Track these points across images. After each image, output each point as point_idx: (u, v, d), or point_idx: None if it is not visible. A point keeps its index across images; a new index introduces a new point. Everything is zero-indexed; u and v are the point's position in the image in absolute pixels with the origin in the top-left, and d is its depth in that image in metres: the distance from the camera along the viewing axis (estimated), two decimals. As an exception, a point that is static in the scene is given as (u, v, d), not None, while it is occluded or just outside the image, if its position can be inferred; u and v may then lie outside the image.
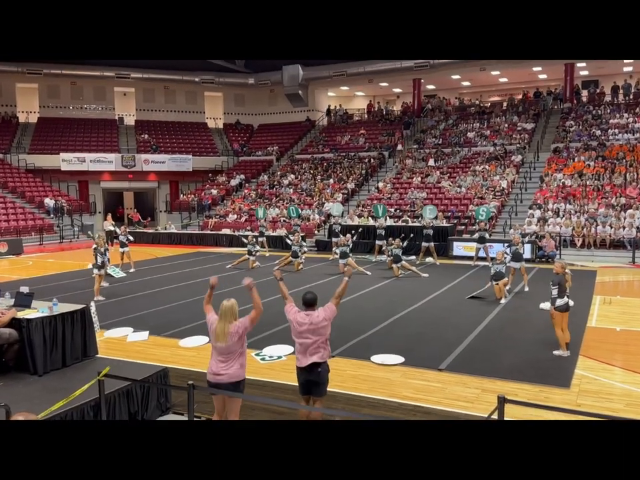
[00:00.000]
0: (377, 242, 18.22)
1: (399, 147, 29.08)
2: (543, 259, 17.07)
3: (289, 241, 16.93)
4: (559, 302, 7.86)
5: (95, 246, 12.61)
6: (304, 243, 17.08)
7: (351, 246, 15.96)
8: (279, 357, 7.93)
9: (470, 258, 17.10)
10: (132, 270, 15.97)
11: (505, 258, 11.88)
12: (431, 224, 17.68)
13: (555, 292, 7.81)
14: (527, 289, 12.45)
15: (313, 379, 5.09)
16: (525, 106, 29.41)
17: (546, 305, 10.55)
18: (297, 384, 5.36)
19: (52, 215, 26.98)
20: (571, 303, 10.19)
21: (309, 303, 5.19)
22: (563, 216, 19.29)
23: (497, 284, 11.42)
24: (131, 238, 16.64)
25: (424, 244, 17.12)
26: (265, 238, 20.10)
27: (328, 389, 5.38)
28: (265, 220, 22.79)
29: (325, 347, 5.18)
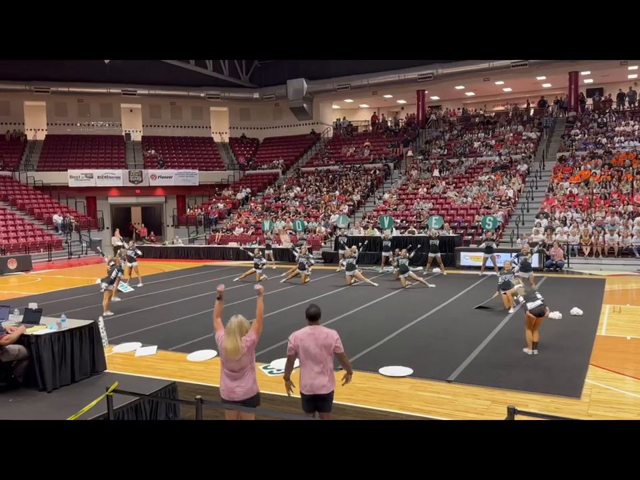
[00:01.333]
0: (384, 253, 18.20)
1: (409, 153, 29.13)
2: (551, 268, 16.98)
3: (295, 253, 16.95)
4: (530, 305, 8.20)
5: (112, 262, 12.62)
6: (310, 255, 17.08)
7: (357, 257, 15.97)
8: (287, 370, 7.88)
9: (477, 268, 17.03)
10: (140, 285, 16.02)
11: (513, 267, 11.83)
12: (437, 234, 17.63)
13: (520, 299, 8.30)
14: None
15: (321, 395, 4.93)
16: (530, 115, 29.44)
17: (555, 315, 10.50)
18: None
19: (60, 231, 27.15)
20: (558, 315, 10.34)
21: (313, 317, 5.00)
22: (570, 224, 19.20)
23: (505, 293, 11.36)
24: (139, 252, 16.81)
25: (430, 254, 17.08)
26: (271, 251, 20.13)
27: (337, 402, 5.35)
28: (272, 232, 22.85)
29: (330, 370, 4.93)
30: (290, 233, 23.45)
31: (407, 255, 14.87)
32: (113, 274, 12.22)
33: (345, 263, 15.92)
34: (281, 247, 21.90)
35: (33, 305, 6.96)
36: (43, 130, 33.24)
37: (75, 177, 30.26)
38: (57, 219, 27.59)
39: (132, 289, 14.35)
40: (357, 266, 15.67)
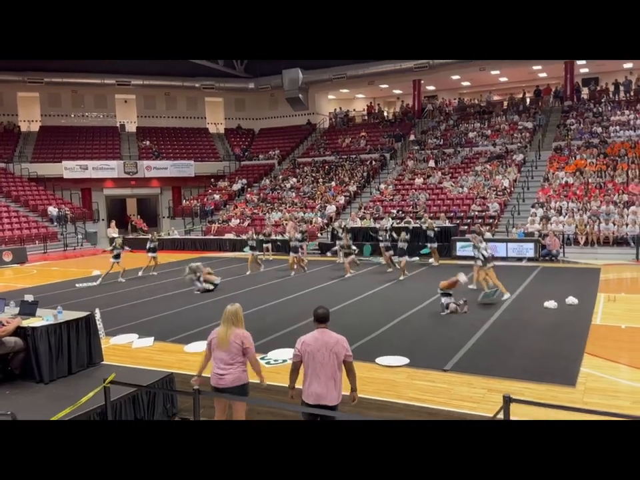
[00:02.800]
0: (381, 244, 18.15)
1: (412, 137, 29.07)
2: (547, 258, 17.00)
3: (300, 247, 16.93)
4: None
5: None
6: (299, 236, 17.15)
7: (352, 244, 15.99)
8: (284, 361, 7.91)
9: (473, 258, 17.01)
10: (154, 273, 16.68)
11: (479, 242, 11.96)
12: (433, 226, 17.50)
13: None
14: (471, 286, 12.37)
15: (327, 407, 4.60)
16: (526, 105, 29.33)
17: (551, 304, 10.56)
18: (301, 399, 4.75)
19: (55, 223, 27.02)
20: (554, 304, 10.45)
21: (321, 319, 4.68)
22: (566, 214, 19.23)
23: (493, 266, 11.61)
24: (127, 248, 17.41)
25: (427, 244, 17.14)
26: (270, 244, 19.97)
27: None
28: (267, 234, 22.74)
29: (339, 379, 4.61)
30: (286, 224, 23.34)
31: (406, 237, 14.80)
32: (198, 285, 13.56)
33: (342, 253, 15.92)
34: (283, 238, 21.76)
35: (29, 297, 6.94)
36: (36, 121, 32.91)
37: (70, 169, 30.07)
38: (52, 210, 27.45)
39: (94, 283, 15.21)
40: (355, 252, 15.75)
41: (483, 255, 11.72)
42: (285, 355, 8.11)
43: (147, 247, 16.82)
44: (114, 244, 16.02)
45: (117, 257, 15.56)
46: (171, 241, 25.12)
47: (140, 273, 16.40)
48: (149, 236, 17.71)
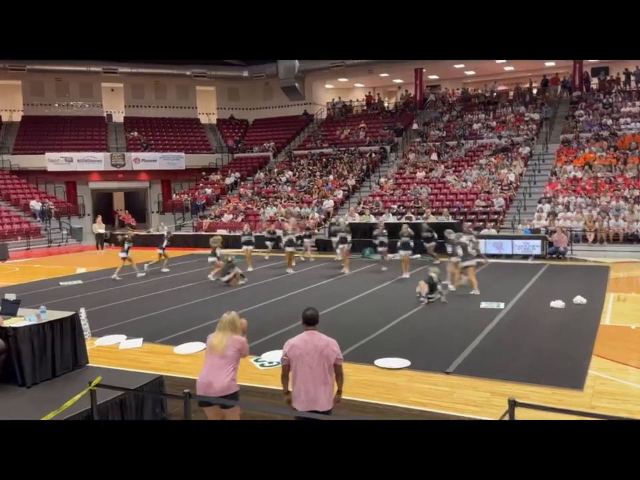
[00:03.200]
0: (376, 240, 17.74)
1: (415, 126, 28.76)
2: (554, 255, 16.66)
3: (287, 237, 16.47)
4: None
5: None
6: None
7: (349, 240, 15.83)
8: (279, 363, 7.63)
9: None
10: (166, 269, 16.83)
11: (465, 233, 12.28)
12: (428, 227, 17.07)
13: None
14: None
15: (319, 412, 4.51)
16: (533, 95, 28.86)
17: (558, 303, 10.35)
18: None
19: (38, 218, 26.42)
20: (561, 303, 10.35)
21: (310, 321, 4.62)
22: (574, 210, 18.90)
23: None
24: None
25: (425, 244, 16.61)
26: (272, 242, 19.49)
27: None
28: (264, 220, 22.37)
29: (331, 383, 4.55)
30: (281, 219, 22.89)
31: (409, 231, 14.45)
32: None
33: (338, 237, 15.75)
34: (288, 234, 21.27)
35: (11, 296, 6.80)
36: (19, 111, 32.12)
37: (54, 161, 29.30)
38: (35, 205, 26.84)
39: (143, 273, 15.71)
40: (348, 240, 15.62)
41: (464, 248, 11.65)
42: (279, 357, 7.81)
43: (164, 244, 16.96)
44: (126, 237, 15.94)
45: (127, 251, 15.44)
46: (160, 237, 24.41)
47: (164, 269, 16.83)
48: (165, 234, 17.99)
